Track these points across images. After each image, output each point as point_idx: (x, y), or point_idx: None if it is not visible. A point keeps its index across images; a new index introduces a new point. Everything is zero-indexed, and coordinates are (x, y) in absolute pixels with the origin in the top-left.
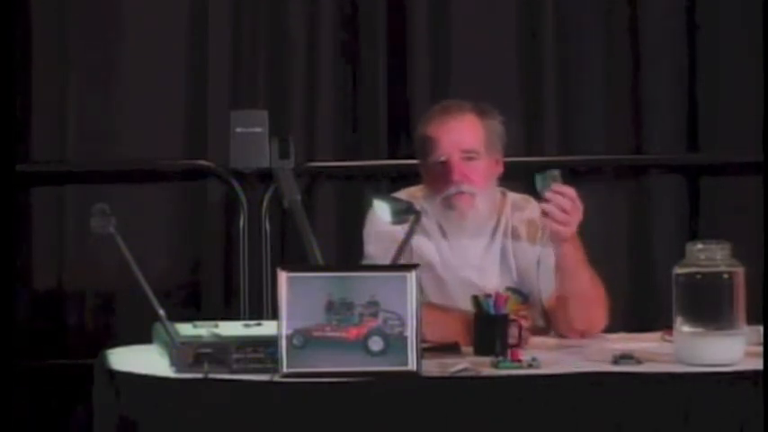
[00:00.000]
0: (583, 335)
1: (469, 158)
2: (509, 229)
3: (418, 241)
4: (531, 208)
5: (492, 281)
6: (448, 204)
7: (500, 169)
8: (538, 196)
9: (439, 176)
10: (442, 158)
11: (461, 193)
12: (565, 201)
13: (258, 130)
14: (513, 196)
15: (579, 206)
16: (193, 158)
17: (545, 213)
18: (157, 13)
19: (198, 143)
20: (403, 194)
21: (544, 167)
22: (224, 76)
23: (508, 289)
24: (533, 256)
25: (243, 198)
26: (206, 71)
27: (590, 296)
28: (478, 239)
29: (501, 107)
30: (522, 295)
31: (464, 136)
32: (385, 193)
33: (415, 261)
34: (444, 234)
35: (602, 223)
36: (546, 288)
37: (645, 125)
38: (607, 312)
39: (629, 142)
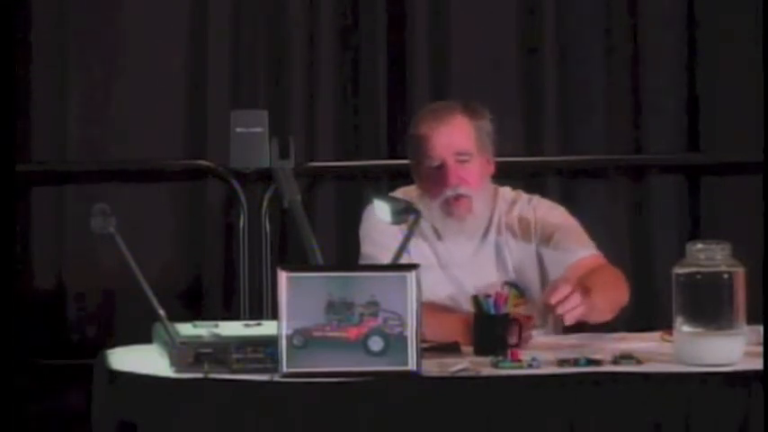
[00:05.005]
0: None
1: (463, 161)
2: (502, 224)
3: (414, 244)
4: (521, 202)
5: (487, 278)
6: (446, 209)
7: (492, 168)
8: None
9: (435, 181)
10: (437, 163)
11: (459, 196)
12: (565, 295)
13: (258, 130)
14: (503, 191)
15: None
16: (193, 158)
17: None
18: (158, 14)
19: (198, 143)
20: (398, 194)
21: (544, 167)
22: (224, 76)
23: (506, 283)
24: (529, 253)
25: (243, 198)
26: (206, 71)
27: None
28: (472, 238)
29: (501, 107)
30: (519, 289)
31: (456, 139)
32: (383, 193)
33: (411, 259)
34: (439, 236)
35: (603, 223)
36: (555, 271)
37: (645, 125)
38: (626, 293)
39: (629, 142)
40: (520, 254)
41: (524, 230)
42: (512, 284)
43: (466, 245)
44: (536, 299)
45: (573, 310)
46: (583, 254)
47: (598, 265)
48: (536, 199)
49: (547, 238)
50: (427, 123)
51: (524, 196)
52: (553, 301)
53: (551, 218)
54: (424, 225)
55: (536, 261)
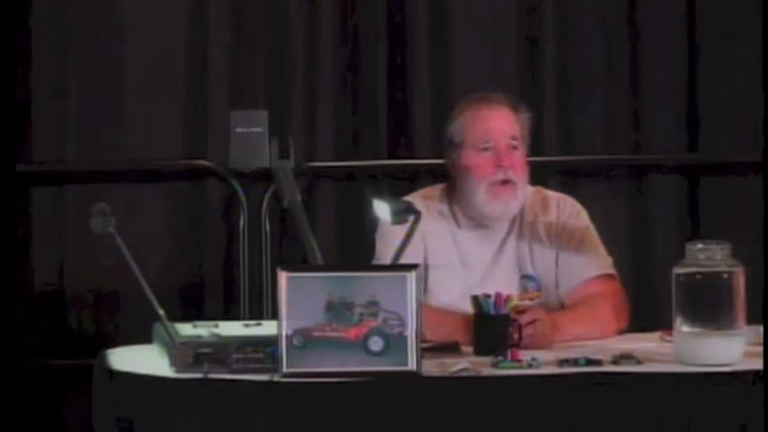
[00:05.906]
0: None
1: (514, 147)
2: (525, 225)
3: (432, 240)
4: (548, 202)
5: (504, 275)
6: (493, 192)
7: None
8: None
9: (484, 163)
10: (489, 145)
11: (507, 181)
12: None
13: (258, 130)
14: (527, 190)
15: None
16: (193, 158)
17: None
18: (157, 13)
19: (198, 143)
20: (418, 196)
21: (544, 167)
22: (224, 76)
23: (524, 276)
24: (551, 258)
25: (243, 198)
26: (206, 71)
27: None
28: (494, 234)
29: None
30: (537, 282)
31: (508, 124)
32: (387, 194)
33: (429, 258)
34: (458, 224)
35: (603, 223)
36: (564, 286)
37: (645, 125)
38: (623, 320)
39: (629, 142)
40: (541, 257)
41: (548, 233)
42: (529, 277)
43: (487, 241)
44: (553, 300)
45: (535, 335)
46: (592, 273)
47: (601, 291)
48: (560, 198)
49: (565, 244)
50: (477, 106)
51: (544, 193)
52: (523, 322)
53: (574, 223)
54: (444, 221)
55: (554, 263)
